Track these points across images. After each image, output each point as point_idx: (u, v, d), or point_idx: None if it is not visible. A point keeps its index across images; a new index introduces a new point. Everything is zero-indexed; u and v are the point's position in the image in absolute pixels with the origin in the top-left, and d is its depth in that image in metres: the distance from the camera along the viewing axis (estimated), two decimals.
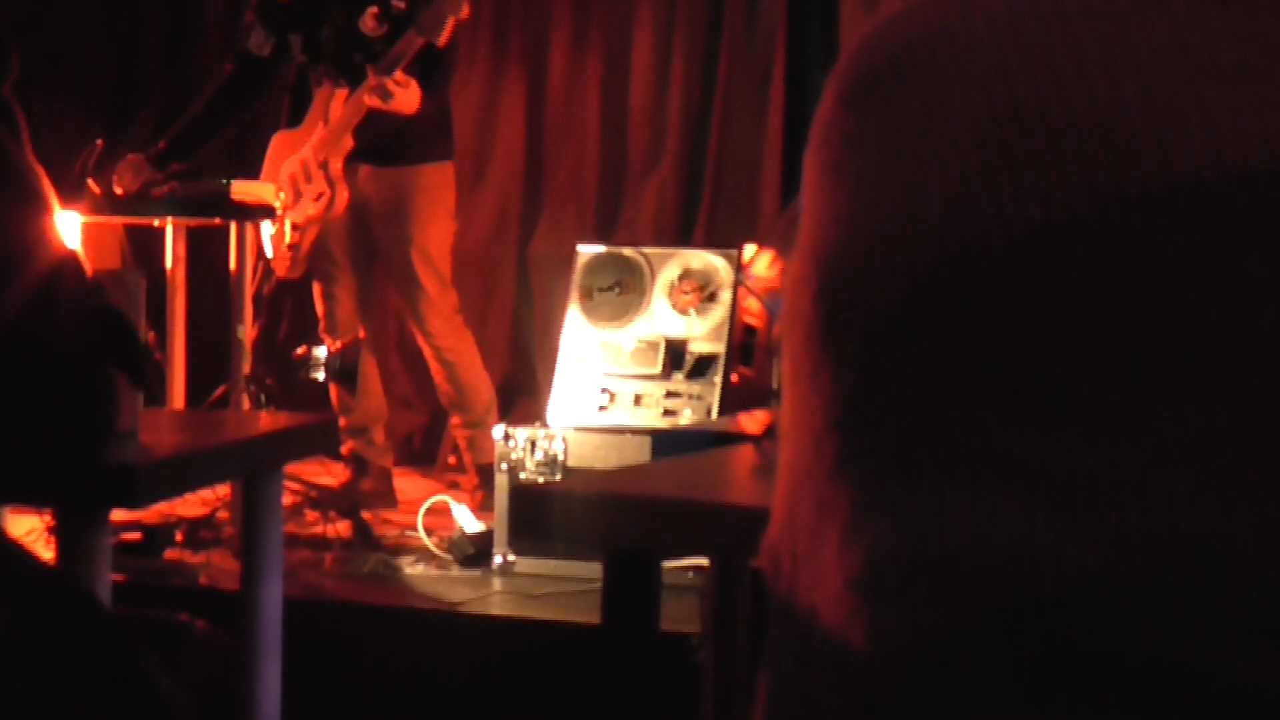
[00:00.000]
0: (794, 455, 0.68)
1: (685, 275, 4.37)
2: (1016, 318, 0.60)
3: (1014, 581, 0.59)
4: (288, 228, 4.94)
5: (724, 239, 5.23)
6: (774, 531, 0.70)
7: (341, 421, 5.07)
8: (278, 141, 5.03)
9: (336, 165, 4.87)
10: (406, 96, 4.69)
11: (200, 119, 5.06)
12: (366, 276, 5.08)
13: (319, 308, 5.07)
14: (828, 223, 0.66)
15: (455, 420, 5.07)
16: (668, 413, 4.26)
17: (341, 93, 4.83)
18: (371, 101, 4.71)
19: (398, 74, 4.67)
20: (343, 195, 4.89)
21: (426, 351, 5.02)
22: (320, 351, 5.31)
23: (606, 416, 4.30)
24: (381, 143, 4.82)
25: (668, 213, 5.99)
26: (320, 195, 4.90)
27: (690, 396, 4.26)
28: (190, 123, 5.05)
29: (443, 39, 4.71)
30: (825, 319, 0.66)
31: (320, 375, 5.25)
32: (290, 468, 4.20)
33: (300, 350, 5.33)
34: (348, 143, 4.87)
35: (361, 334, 5.05)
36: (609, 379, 4.35)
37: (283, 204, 4.92)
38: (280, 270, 5.04)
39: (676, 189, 5.99)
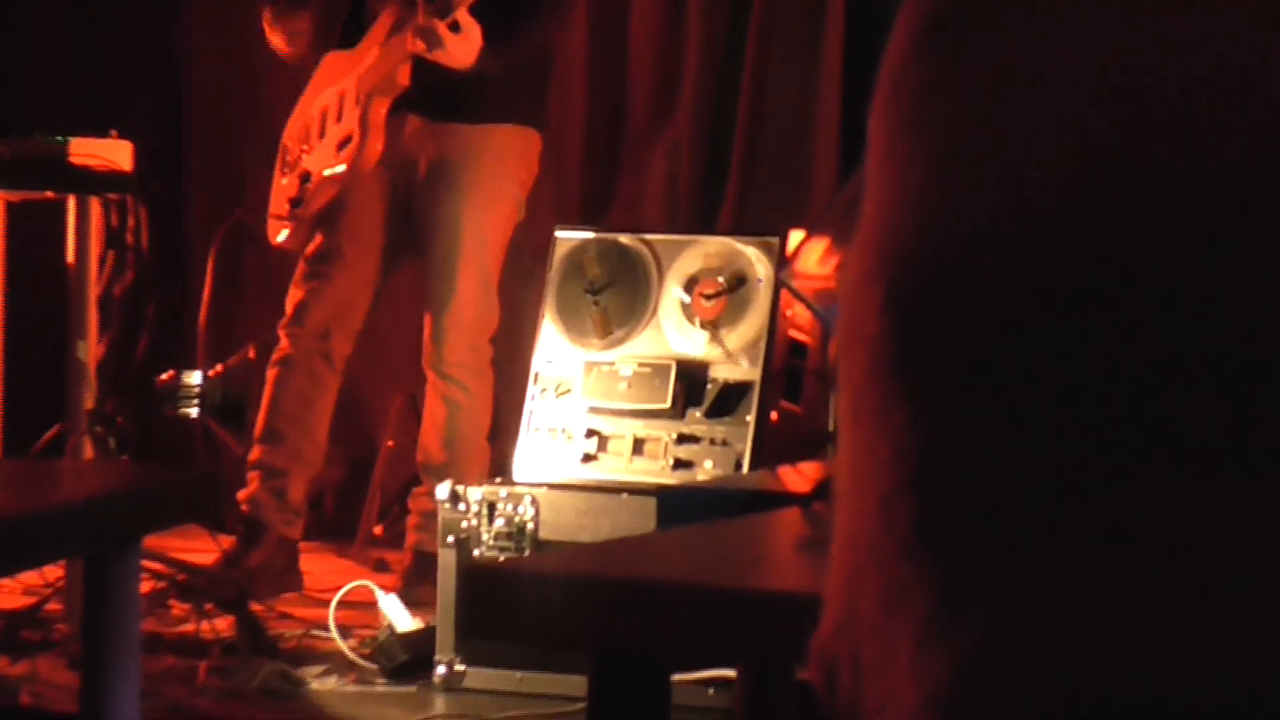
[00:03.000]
0: (855, 524, 0.69)
1: (706, 272, 4.38)
2: (1154, 336, 0.62)
3: (1156, 693, 0.60)
4: (300, 180, 4.99)
5: (760, 223, 5.25)
6: (828, 629, 0.71)
7: (255, 453, 5.01)
8: (329, 63, 5.11)
9: (380, 109, 4.91)
10: (461, 46, 4.75)
11: None
12: (377, 271, 5.05)
13: (292, 294, 5.04)
14: (899, 204, 0.67)
15: (421, 488, 5.00)
16: (680, 464, 4.27)
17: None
18: (415, 47, 4.79)
19: (458, 14, 4.72)
20: (374, 146, 4.92)
21: (430, 382, 4.98)
22: (194, 378, 5.30)
23: (594, 469, 4.31)
24: (441, 89, 4.86)
25: (682, 188, 6.01)
26: (347, 139, 4.93)
27: (712, 442, 4.28)
28: None
29: None
30: (897, 337, 0.67)
31: (194, 410, 5.23)
32: (151, 541, 4.22)
33: (166, 375, 5.32)
34: (400, 81, 4.91)
35: (251, 353, 5.05)
36: (598, 417, 4.35)
37: (300, 148, 4.98)
38: (274, 236, 5.05)
39: (694, 156, 6.01)
